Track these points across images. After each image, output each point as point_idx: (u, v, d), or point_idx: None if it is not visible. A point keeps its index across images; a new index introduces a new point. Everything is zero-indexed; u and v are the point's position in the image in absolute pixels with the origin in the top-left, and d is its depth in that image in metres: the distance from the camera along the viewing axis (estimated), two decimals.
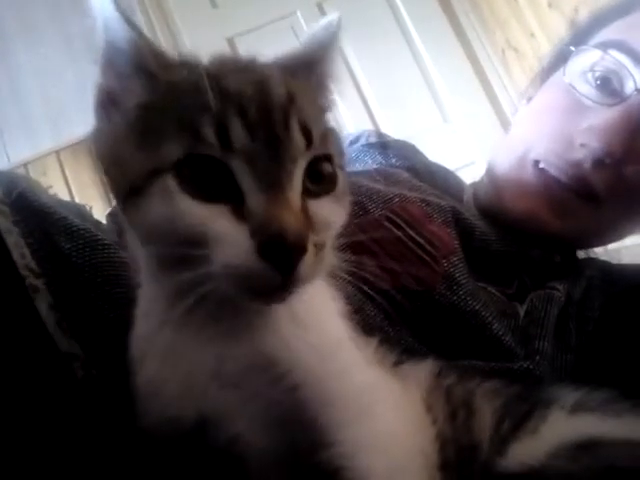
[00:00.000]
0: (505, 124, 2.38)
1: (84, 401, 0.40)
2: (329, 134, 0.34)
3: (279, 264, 0.28)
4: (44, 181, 2.10)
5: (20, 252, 0.43)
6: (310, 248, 0.29)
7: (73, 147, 2.10)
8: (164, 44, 2.32)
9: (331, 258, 0.33)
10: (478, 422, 0.39)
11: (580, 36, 0.63)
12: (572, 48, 0.61)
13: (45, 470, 0.36)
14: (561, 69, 0.62)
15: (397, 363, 0.42)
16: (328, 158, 0.33)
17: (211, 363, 0.34)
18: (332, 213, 0.33)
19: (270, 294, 0.31)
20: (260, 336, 0.35)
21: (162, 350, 0.36)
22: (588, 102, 0.57)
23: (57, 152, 2.17)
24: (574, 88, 0.58)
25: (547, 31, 2.11)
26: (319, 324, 0.37)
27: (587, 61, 0.58)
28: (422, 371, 0.43)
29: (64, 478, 0.37)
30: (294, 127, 0.30)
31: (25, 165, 2.19)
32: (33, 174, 2.15)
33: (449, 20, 2.45)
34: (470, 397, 0.41)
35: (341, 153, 0.36)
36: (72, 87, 2.06)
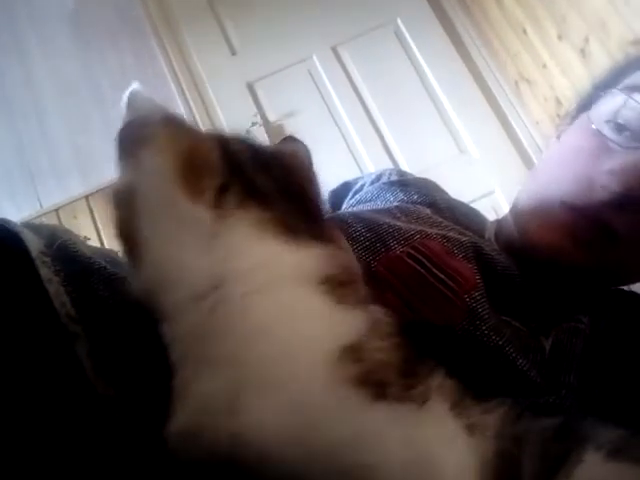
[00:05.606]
0: (522, 153, 2.39)
1: (120, 441, 0.41)
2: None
3: None
4: (74, 224, 2.18)
5: (61, 300, 0.46)
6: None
7: (102, 191, 2.19)
8: (186, 90, 2.42)
9: None
10: (525, 466, 0.38)
11: (611, 79, 0.63)
12: (601, 93, 0.61)
13: None
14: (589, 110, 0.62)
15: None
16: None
17: None
18: None
19: None
20: None
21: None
22: (614, 145, 0.57)
23: (86, 197, 2.26)
24: (600, 131, 0.58)
25: (559, 61, 2.14)
26: None
27: (612, 105, 0.58)
28: (489, 416, 0.40)
29: None
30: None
31: (56, 210, 2.28)
32: (64, 218, 2.23)
33: (460, 55, 2.51)
34: (523, 439, 0.39)
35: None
36: (100, 134, 2.16)
